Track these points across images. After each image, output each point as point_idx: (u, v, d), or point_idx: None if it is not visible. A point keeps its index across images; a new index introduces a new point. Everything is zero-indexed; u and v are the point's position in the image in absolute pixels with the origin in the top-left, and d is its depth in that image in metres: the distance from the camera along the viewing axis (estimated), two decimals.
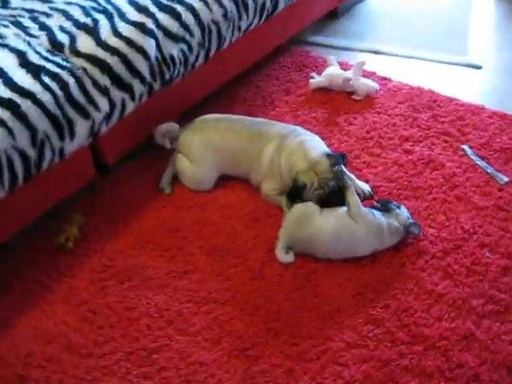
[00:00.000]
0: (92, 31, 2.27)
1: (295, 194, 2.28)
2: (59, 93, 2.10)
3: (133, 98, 2.34)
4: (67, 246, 2.31)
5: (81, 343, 2.00)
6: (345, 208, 2.22)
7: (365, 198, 2.39)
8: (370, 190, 2.44)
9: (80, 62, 2.19)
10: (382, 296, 2.08)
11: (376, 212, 2.21)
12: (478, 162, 2.54)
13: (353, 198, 2.20)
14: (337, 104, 2.92)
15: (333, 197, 2.26)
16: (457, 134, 2.69)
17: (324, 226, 2.17)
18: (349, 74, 2.93)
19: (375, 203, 2.30)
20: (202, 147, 2.47)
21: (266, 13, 2.81)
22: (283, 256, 2.20)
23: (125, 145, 2.54)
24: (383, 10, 3.72)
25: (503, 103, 2.87)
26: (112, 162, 2.54)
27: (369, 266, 2.17)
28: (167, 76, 2.44)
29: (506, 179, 2.46)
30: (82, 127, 2.19)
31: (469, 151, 2.60)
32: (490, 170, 2.50)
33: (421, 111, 2.83)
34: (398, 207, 2.24)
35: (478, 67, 3.14)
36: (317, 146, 2.41)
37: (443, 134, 2.71)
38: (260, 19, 2.80)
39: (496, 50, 3.32)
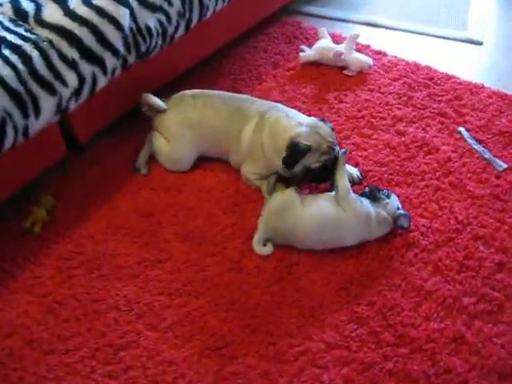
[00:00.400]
0: (60, 0, 2.08)
1: (294, 159, 2.10)
2: (21, 67, 1.92)
3: (105, 72, 2.16)
4: (34, 231, 2.16)
5: (44, 338, 1.87)
6: (328, 194, 2.07)
7: (353, 183, 2.24)
8: (359, 174, 2.29)
9: (45, 34, 2.01)
10: (368, 292, 1.94)
11: (364, 200, 2.06)
12: (475, 147, 2.38)
13: (343, 181, 2.05)
14: (327, 79, 2.74)
15: (331, 167, 2.11)
16: (453, 115, 2.52)
17: (307, 215, 2.03)
18: (341, 47, 2.74)
19: (365, 189, 2.14)
20: (179, 125, 2.30)
21: None
22: (261, 248, 2.06)
23: (98, 122, 2.37)
24: None
25: (503, 82, 2.69)
26: (84, 140, 2.37)
27: (354, 259, 2.04)
28: (143, 48, 2.25)
29: (504, 166, 2.30)
30: (47, 104, 2.02)
31: (465, 134, 2.43)
32: (487, 155, 2.34)
33: (416, 89, 2.65)
34: (388, 196, 2.08)
35: (479, 43, 2.94)
36: (300, 115, 2.27)
37: (439, 114, 2.53)
38: None
39: (497, 25, 3.12)
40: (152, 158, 2.39)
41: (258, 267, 2.03)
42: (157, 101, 2.31)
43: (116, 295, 1.98)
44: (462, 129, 2.45)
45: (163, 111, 2.30)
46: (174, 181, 2.33)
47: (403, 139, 2.44)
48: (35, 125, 2.02)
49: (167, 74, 2.55)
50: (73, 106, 2.13)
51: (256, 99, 2.38)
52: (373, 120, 2.53)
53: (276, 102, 2.43)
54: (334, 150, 2.11)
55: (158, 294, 1.98)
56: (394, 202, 2.07)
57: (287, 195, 2.07)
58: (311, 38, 2.95)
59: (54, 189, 2.29)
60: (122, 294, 1.98)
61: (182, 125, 2.30)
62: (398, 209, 2.06)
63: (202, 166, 2.37)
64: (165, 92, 2.41)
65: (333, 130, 2.17)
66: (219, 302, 1.94)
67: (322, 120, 2.18)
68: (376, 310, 1.89)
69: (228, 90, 2.65)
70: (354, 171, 2.29)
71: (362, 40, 2.91)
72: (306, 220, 2.01)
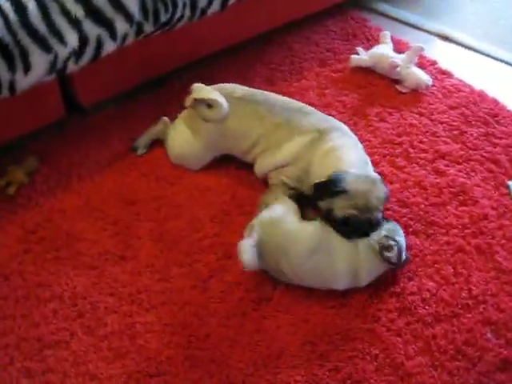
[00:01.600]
0: None
1: (323, 192, 1.78)
2: (12, 16, 1.73)
3: (113, 36, 1.93)
4: (7, 191, 2.01)
5: None
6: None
7: None
8: None
9: None
10: (337, 354, 1.65)
11: None
12: None
13: None
14: (374, 91, 2.39)
15: (356, 227, 1.77)
16: (507, 165, 2.12)
17: (300, 234, 1.76)
18: (399, 58, 2.37)
19: None
20: (215, 130, 2.00)
21: None
22: (248, 250, 1.71)
23: (104, 89, 2.18)
24: None
25: None
26: (87, 105, 2.18)
27: (335, 310, 1.74)
28: (163, 18, 1.99)
29: None
30: (39, 60, 1.82)
31: None
32: None
33: (473, 124, 2.26)
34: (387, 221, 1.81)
35: None
36: (362, 154, 1.91)
37: (490, 160, 2.14)
38: None
39: None
40: (155, 143, 2.16)
41: (223, 292, 1.78)
42: (218, 96, 1.95)
43: (65, 284, 1.80)
44: (511, 183, 2.06)
45: (218, 112, 1.96)
46: (169, 171, 2.10)
47: (438, 180, 2.07)
48: (23, 81, 1.83)
49: (195, 52, 2.30)
50: (72, 67, 1.92)
51: (310, 111, 2.02)
52: (411, 150, 2.17)
53: (310, 104, 2.12)
54: (369, 213, 1.76)
55: (109, 294, 1.78)
56: (389, 227, 1.78)
57: (286, 205, 1.84)
58: (373, 40, 2.59)
59: (41, 152, 2.13)
60: (72, 285, 1.79)
61: (219, 132, 2.00)
62: (388, 237, 1.73)
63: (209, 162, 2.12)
64: (189, 71, 2.16)
65: (386, 198, 1.82)
66: (169, 323, 1.71)
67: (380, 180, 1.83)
68: (339, 379, 1.60)
69: (262, 80, 2.43)
70: None
71: (430, 54, 2.53)
72: (298, 239, 1.75)
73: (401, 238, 1.77)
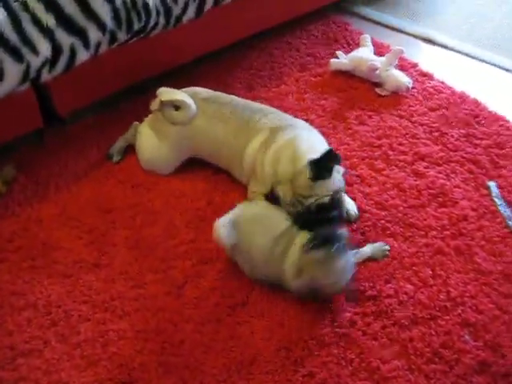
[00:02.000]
0: None
1: (328, 165, 1.78)
2: None
3: (86, 45, 1.94)
4: None
5: None
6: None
7: (347, 220, 1.92)
8: (356, 210, 1.96)
9: None
10: (312, 360, 1.62)
11: None
12: (502, 209, 1.97)
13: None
14: (354, 95, 2.38)
15: (308, 218, 1.77)
16: (487, 166, 2.10)
17: (274, 219, 1.78)
18: (379, 61, 2.37)
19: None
20: (180, 132, 2.01)
21: None
22: (223, 231, 1.73)
23: (81, 97, 2.18)
24: None
25: None
26: (64, 114, 2.19)
27: (311, 314, 1.72)
28: (136, 26, 2.00)
29: None
30: (11, 70, 1.84)
31: (495, 191, 2.02)
32: None
33: (454, 126, 2.24)
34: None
35: None
36: (313, 145, 1.88)
37: (471, 161, 2.12)
38: None
39: None
40: (131, 150, 2.16)
41: (198, 298, 1.76)
42: (185, 97, 1.99)
43: (39, 292, 1.79)
44: (492, 184, 2.04)
45: (185, 114, 1.99)
46: (145, 178, 2.10)
47: (418, 182, 2.06)
48: None
49: (172, 59, 2.30)
50: (45, 76, 1.93)
51: (272, 110, 2.04)
52: (390, 152, 2.16)
53: (288, 109, 2.12)
54: (301, 203, 1.79)
55: (83, 302, 1.77)
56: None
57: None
58: (354, 44, 2.59)
59: (19, 161, 2.13)
60: (46, 293, 1.79)
61: (184, 133, 2.01)
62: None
63: (183, 166, 2.11)
64: (169, 79, 2.16)
65: (316, 179, 1.78)
66: (142, 329, 1.70)
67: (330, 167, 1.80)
68: None
69: (242, 85, 2.43)
70: (351, 206, 1.96)
71: (412, 56, 2.53)
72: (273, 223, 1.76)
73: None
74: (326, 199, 1.77)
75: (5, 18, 1.77)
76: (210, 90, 2.08)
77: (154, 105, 2.00)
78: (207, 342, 1.67)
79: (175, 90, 2.00)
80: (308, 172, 1.76)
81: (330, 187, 1.79)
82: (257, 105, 2.07)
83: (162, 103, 1.97)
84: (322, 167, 1.76)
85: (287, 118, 2.03)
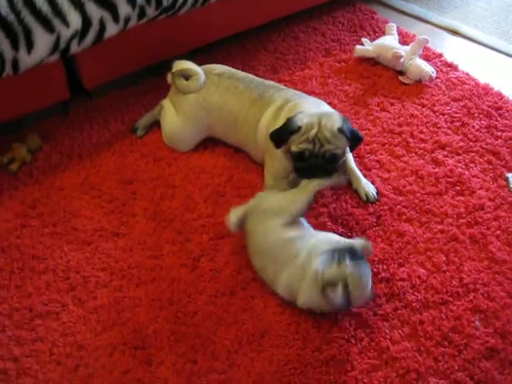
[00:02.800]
0: None
1: (281, 135, 1.82)
2: None
3: (116, 19, 1.97)
4: (10, 168, 2.06)
5: None
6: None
7: (367, 201, 1.97)
8: (375, 193, 1.99)
9: None
10: (322, 336, 1.65)
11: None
12: None
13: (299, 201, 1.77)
14: (378, 82, 2.39)
15: (312, 164, 1.82)
16: (507, 158, 2.10)
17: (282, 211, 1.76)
18: (404, 49, 2.37)
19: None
20: (196, 105, 2.05)
21: None
22: (236, 213, 1.79)
23: (108, 71, 2.21)
24: None
25: None
26: (90, 87, 2.22)
27: None
28: (165, 2, 2.03)
29: None
30: (42, 40, 1.87)
31: None
32: None
33: (475, 117, 2.24)
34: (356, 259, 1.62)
35: None
36: (315, 108, 1.92)
37: (491, 152, 2.12)
38: None
39: None
40: (155, 126, 2.20)
41: (213, 271, 1.80)
42: (194, 66, 2.06)
43: (59, 258, 1.83)
44: (510, 175, 2.04)
45: (195, 82, 2.04)
46: (167, 152, 2.13)
47: (436, 170, 2.06)
48: (27, 60, 1.88)
49: (199, 38, 2.32)
50: (75, 48, 1.97)
51: (284, 87, 2.09)
52: (410, 140, 2.17)
53: (311, 93, 2.14)
54: (321, 145, 1.79)
55: (101, 269, 1.81)
56: (351, 264, 1.58)
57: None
58: (379, 32, 2.59)
59: (45, 131, 2.17)
60: (66, 259, 1.83)
61: (200, 106, 2.06)
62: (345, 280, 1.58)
63: (205, 143, 2.14)
64: (193, 58, 2.18)
65: (342, 132, 1.80)
66: (157, 298, 1.74)
67: (344, 119, 1.84)
68: (322, 360, 1.61)
69: (266, 68, 2.45)
70: (371, 189, 1.99)
71: (437, 47, 2.53)
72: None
73: (360, 280, 1.59)
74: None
75: None
76: (225, 66, 2.12)
77: (168, 78, 2.08)
78: (220, 314, 1.70)
79: (183, 61, 2.06)
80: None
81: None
82: (271, 82, 2.12)
83: (173, 75, 2.04)
84: (277, 137, 1.82)
85: (301, 94, 2.05)
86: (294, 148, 1.81)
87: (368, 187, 1.99)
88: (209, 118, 2.07)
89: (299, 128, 1.78)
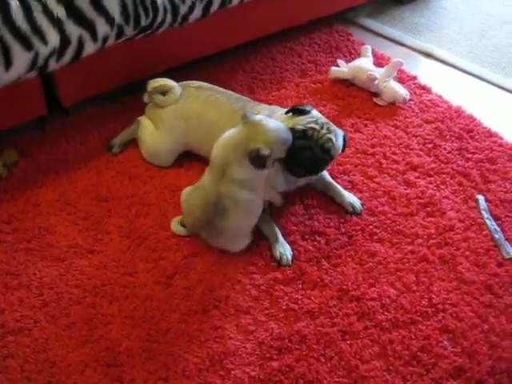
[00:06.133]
0: None
1: (292, 110, 1.98)
2: None
3: (94, 38, 1.99)
4: None
5: None
6: None
7: (353, 213, 2.03)
8: (359, 203, 2.05)
9: None
10: (293, 354, 1.67)
11: None
12: (488, 222, 2.02)
13: None
14: (352, 103, 2.44)
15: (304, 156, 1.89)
16: (477, 179, 2.15)
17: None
18: (378, 71, 2.42)
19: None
20: (174, 116, 2.08)
21: None
22: (178, 228, 1.96)
23: (86, 89, 2.23)
24: (459, 10, 3.05)
25: None
26: (68, 104, 2.24)
27: (293, 312, 1.76)
28: (143, 22, 2.06)
29: None
30: (20, 57, 1.88)
31: (482, 204, 2.07)
32: (498, 235, 1.98)
33: (447, 139, 2.30)
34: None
35: None
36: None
37: (461, 174, 2.17)
38: None
39: None
40: (131, 143, 2.22)
41: (186, 289, 1.81)
42: (168, 81, 2.11)
43: (33, 274, 1.83)
44: (480, 197, 2.09)
45: (172, 96, 2.09)
46: (143, 170, 2.15)
47: (408, 191, 2.11)
48: (4, 76, 1.89)
49: (177, 57, 2.36)
50: (53, 65, 1.98)
51: (259, 103, 2.16)
52: (383, 161, 2.21)
53: None
54: (328, 131, 1.92)
55: (75, 286, 1.81)
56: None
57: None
58: (355, 54, 2.64)
59: (21, 146, 2.18)
60: (39, 275, 1.83)
61: (178, 116, 2.08)
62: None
63: (181, 161, 2.17)
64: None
65: (344, 140, 1.98)
66: (130, 315, 1.75)
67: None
68: (292, 378, 1.62)
69: (243, 87, 2.48)
70: (355, 199, 2.06)
71: (411, 69, 2.59)
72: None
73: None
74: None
75: (17, 7, 1.82)
76: (204, 83, 2.17)
77: (144, 97, 2.13)
78: (192, 332, 1.72)
79: (157, 78, 2.11)
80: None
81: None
82: (249, 99, 2.17)
83: (149, 93, 2.08)
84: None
85: (280, 109, 2.10)
86: (298, 126, 1.89)
87: (352, 199, 2.04)
88: (187, 128, 2.10)
89: (309, 111, 1.94)
